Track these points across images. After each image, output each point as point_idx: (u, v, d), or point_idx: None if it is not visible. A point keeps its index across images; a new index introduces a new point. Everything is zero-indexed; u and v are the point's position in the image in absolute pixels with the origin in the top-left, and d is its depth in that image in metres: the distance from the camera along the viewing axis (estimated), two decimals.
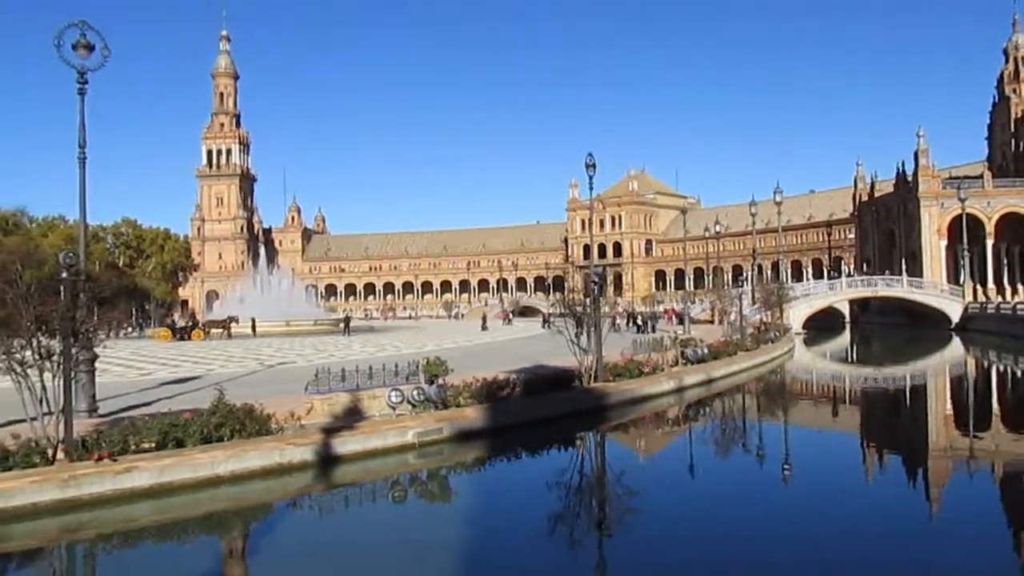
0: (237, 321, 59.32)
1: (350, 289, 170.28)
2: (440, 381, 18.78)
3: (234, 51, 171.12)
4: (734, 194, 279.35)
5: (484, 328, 64.60)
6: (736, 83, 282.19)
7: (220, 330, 57.57)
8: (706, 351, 29.59)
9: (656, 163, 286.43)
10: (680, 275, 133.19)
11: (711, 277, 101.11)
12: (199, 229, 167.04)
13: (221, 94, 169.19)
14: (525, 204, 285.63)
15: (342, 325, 62.52)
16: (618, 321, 52.98)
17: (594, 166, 27.56)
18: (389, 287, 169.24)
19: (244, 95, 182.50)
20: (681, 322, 57.25)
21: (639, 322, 56.27)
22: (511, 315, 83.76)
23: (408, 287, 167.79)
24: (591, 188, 28.22)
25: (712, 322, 62.34)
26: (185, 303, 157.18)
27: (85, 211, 17.70)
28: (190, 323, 58.23)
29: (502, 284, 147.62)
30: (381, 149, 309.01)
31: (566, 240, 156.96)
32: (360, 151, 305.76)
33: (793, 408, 25.23)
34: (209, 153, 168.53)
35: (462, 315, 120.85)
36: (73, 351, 14.27)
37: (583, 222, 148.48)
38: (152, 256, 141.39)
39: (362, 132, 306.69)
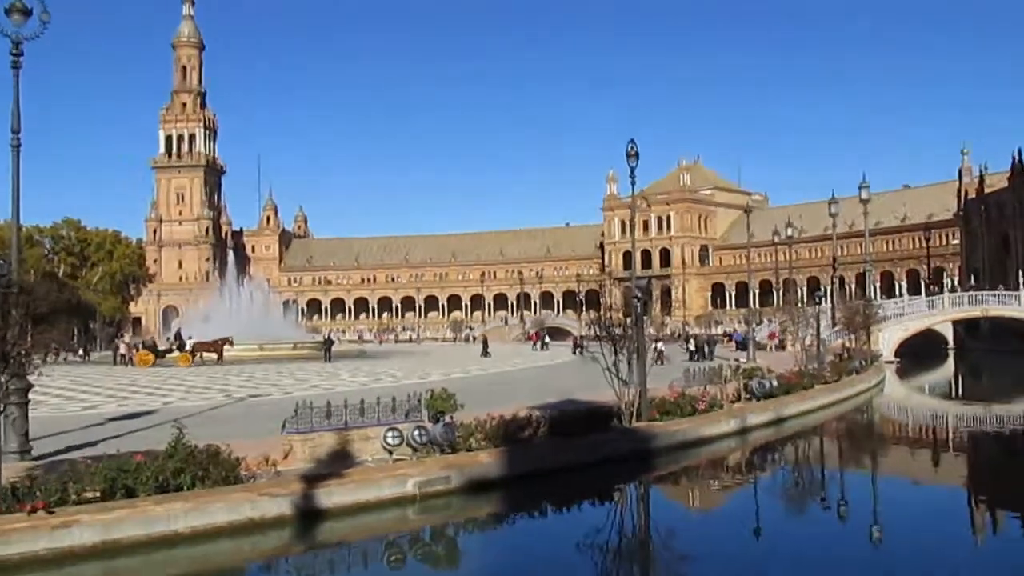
0: (231, 343, 59.96)
1: (337, 305, 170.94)
2: (447, 419, 18.74)
3: (199, 18, 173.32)
4: (809, 190, 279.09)
5: (486, 354, 64.33)
6: (811, 57, 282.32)
7: (211, 353, 58.11)
8: (775, 384, 29.43)
9: (713, 152, 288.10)
10: (743, 289, 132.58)
11: (781, 292, 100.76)
12: (155, 232, 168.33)
13: (184, 68, 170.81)
14: (551, 204, 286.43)
15: (324, 349, 62.66)
16: (660, 347, 52.69)
17: (636, 155, 27.50)
18: (385, 303, 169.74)
19: (211, 71, 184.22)
20: (744, 347, 56.97)
21: (692, 347, 56.05)
22: (545, 337, 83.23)
23: (408, 303, 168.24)
24: (633, 182, 28.14)
25: (782, 348, 62.02)
26: (138, 321, 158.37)
27: (19, 209, 17.87)
28: (175, 344, 58.71)
29: (523, 300, 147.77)
30: (376, 138, 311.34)
31: (602, 246, 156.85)
32: (351, 140, 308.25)
33: (884, 455, 25.00)
34: (168, 139, 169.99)
35: (474, 338, 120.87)
36: (1, 379, 14.36)
37: (623, 224, 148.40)
38: (98, 264, 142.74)
39: (353, 118, 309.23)
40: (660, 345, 53.34)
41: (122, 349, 64.56)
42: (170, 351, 58.71)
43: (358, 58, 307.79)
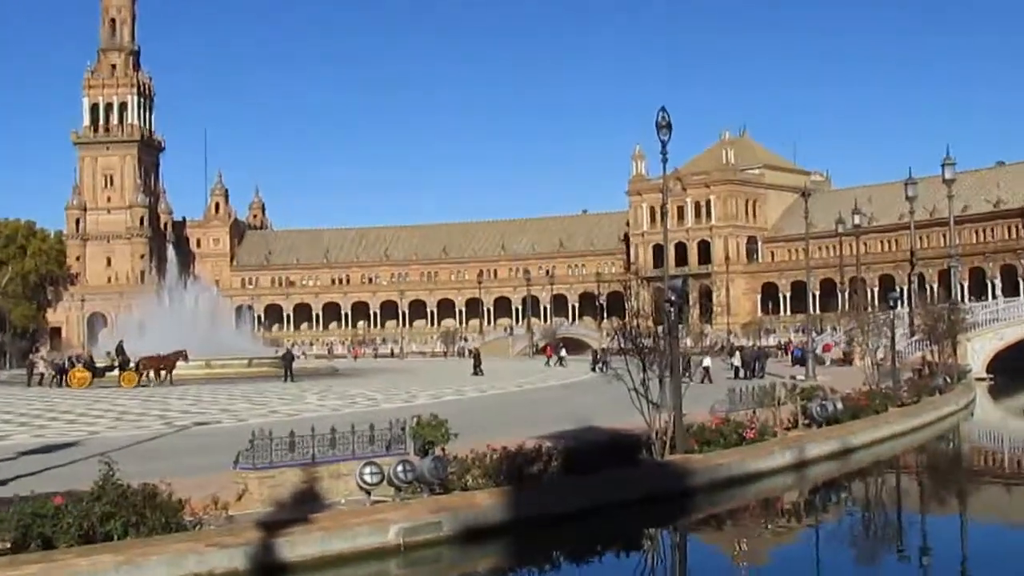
0: (186, 359, 59.95)
1: (302, 312, 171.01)
2: (438, 451, 18.70)
3: None
4: (881, 169, 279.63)
5: (478, 371, 64.62)
6: (885, 6, 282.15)
7: (163, 371, 58.38)
8: (839, 406, 29.37)
9: (762, 123, 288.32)
10: (799, 291, 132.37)
11: (846, 294, 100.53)
12: (78, 223, 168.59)
13: (113, 21, 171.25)
14: (564, 187, 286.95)
15: (282, 366, 62.58)
16: (707, 363, 52.68)
17: (669, 127, 27.45)
18: (361, 309, 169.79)
19: (147, 25, 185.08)
20: (802, 362, 56.87)
21: (738, 362, 55.98)
22: (561, 350, 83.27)
23: (389, 309, 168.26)
24: (664, 160, 28.12)
25: (848, 362, 61.89)
26: (57, 332, 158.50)
27: None
28: (116, 360, 58.81)
29: (530, 305, 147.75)
30: (349, 108, 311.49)
31: (627, 238, 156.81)
32: (318, 110, 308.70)
33: (975, 495, 24.93)
34: (94, 109, 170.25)
35: (469, 351, 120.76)
36: None
37: (652, 211, 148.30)
38: (8, 263, 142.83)
39: (322, 83, 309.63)
40: (707, 361, 53.33)
41: (40, 367, 64.47)
42: (111, 369, 58.70)
43: (328, 7, 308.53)
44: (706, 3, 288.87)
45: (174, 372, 58.39)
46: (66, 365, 62.69)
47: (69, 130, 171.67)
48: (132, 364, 58.01)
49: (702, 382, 46.58)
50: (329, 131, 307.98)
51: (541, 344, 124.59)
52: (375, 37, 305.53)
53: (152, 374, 58.02)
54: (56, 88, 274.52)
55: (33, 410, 39.92)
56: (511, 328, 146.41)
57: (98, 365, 59.48)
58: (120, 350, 59.45)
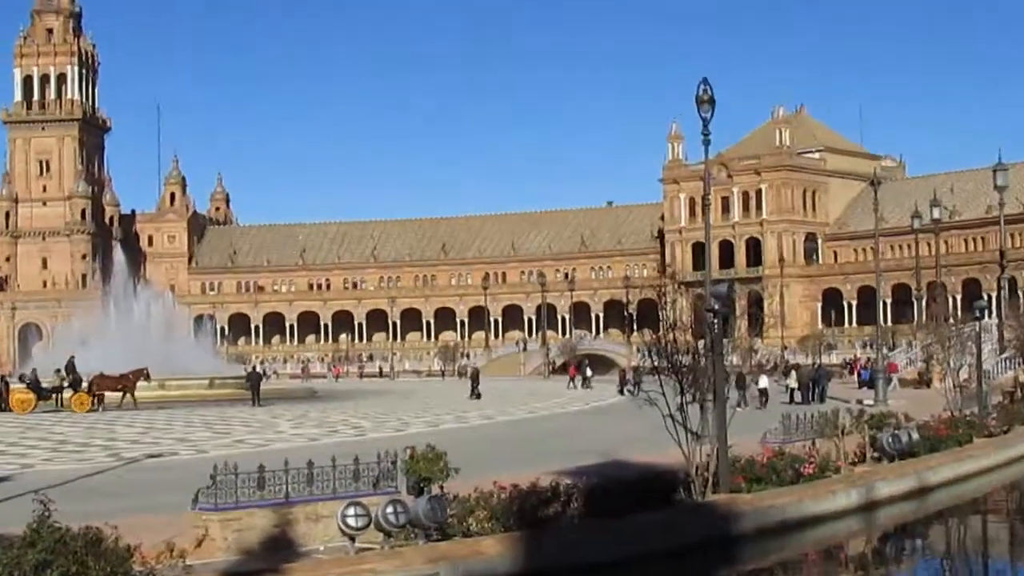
0: (147, 378, 59.90)
1: (274, 323, 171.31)
2: (435, 489, 18.70)
3: None
4: (964, 154, 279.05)
5: (475, 395, 64.83)
6: None
7: (120, 392, 58.24)
8: (915, 437, 29.29)
9: (822, 98, 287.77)
10: (867, 298, 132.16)
11: (923, 302, 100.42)
12: (8, 216, 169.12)
13: None
14: (586, 175, 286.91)
15: (248, 388, 62.66)
16: (764, 384, 52.65)
17: (712, 102, 27.40)
18: (344, 320, 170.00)
19: None
20: (870, 383, 56.69)
21: (794, 383, 55.89)
22: (587, 370, 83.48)
23: (377, 320, 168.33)
24: (707, 142, 28.07)
25: (925, 383, 61.71)
26: None
27: None
28: (66, 380, 58.82)
29: (546, 315, 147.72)
30: (332, 83, 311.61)
31: (661, 235, 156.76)
32: (294, 85, 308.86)
33: None
34: (27, 81, 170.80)
35: (473, 370, 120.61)
36: None
37: (692, 203, 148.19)
38: None
39: (299, 52, 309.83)
40: (764, 381, 53.26)
41: None
42: (59, 390, 58.64)
43: None
44: None
45: (112, 395, 58.39)
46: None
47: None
48: (85, 384, 57.90)
49: (760, 407, 46.78)
50: (305, 110, 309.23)
51: (559, 362, 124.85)
52: (356, 6, 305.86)
53: (117, 395, 58.00)
54: None
55: None
56: (524, 342, 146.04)
57: (44, 385, 59.38)
58: (71, 368, 59.36)
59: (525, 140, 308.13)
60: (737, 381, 50.33)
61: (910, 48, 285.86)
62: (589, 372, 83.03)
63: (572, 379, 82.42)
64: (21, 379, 58.84)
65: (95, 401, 56.98)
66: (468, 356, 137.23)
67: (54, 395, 58.13)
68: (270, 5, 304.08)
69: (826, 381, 57.97)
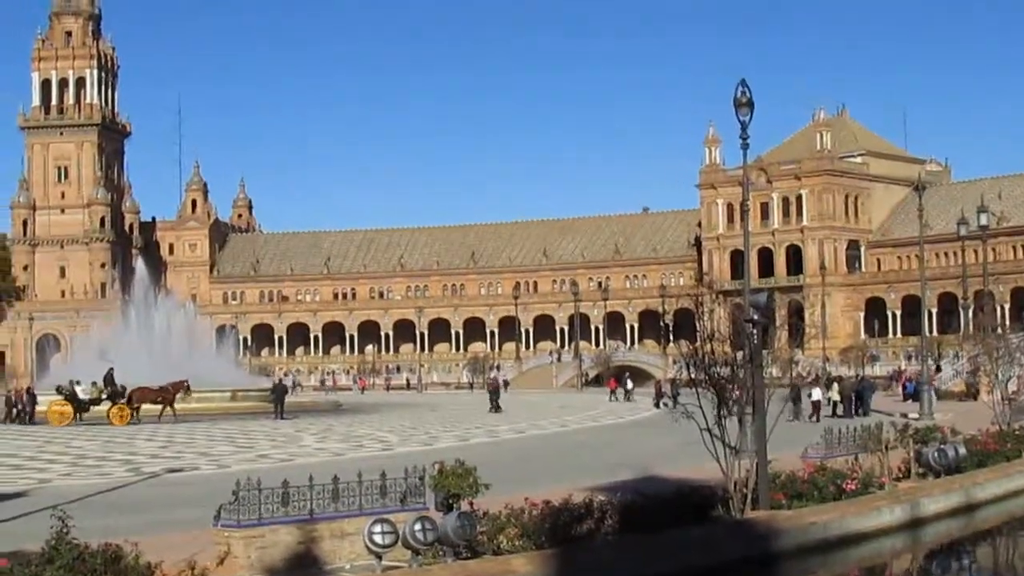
0: (188, 390, 60.78)
1: (298, 334, 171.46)
2: (465, 506, 18.70)
3: None
4: (1013, 157, 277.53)
5: (496, 408, 65.06)
6: None
7: (159, 404, 59.06)
8: (962, 451, 29.14)
9: (864, 100, 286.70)
10: (912, 307, 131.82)
11: (970, 312, 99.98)
12: (26, 224, 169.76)
13: None
14: (621, 181, 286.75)
15: (272, 400, 62.91)
16: (817, 396, 52.78)
17: (751, 104, 27.36)
18: (370, 331, 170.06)
19: None
20: (914, 396, 56.48)
21: (836, 396, 55.78)
22: (627, 383, 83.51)
23: (404, 331, 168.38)
24: (745, 145, 28.04)
25: (972, 396, 61.42)
26: (0, 357, 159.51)
27: None
28: (105, 392, 59.34)
29: (578, 325, 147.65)
30: (358, 87, 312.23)
31: (698, 242, 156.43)
32: (319, 89, 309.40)
33: None
34: (45, 86, 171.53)
35: (505, 382, 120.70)
36: None
37: (730, 208, 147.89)
38: None
39: (324, 55, 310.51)
40: (817, 393, 53.28)
41: None
42: (97, 402, 59.25)
43: None
44: None
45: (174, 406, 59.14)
46: (13, 398, 63.39)
47: (15, 112, 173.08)
48: (124, 396, 58.64)
49: (810, 419, 46.99)
50: (330, 115, 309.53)
51: (592, 374, 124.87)
52: (383, 9, 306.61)
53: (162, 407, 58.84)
54: (0, 61, 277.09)
55: None
56: (558, 354, 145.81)
57: (82, 398, 59.77)
58: (109, 380, 59.87)
59: (557, 145, 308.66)
60: (792, 394, 50.73)
61: (955, 49, 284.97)
62: (630, 384, 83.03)
63: (613, 391, 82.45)
64: (58, 390, 59.05)
65: (134, 413, 57.74)
66: (498, 368, 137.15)
67: (92, 407, 58.72)
68: (294, 8, 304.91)
69: (870, 393, 57.82)
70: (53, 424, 56.08)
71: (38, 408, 60.72)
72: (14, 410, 62.21)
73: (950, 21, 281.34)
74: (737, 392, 22.91)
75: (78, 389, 59.00)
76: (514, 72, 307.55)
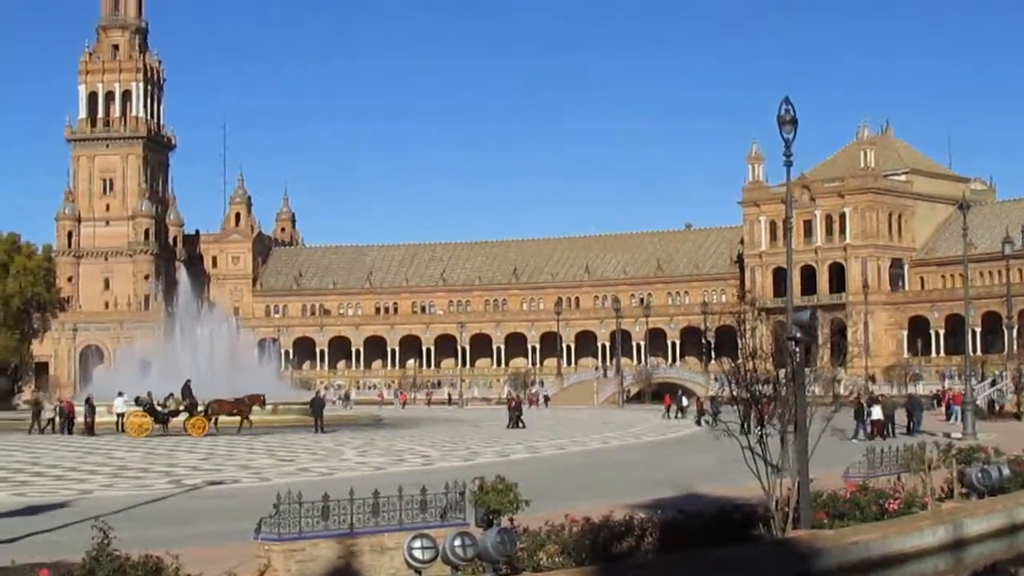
0: (263, 403, 61.92)
1: (340, 348, 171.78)
2: (505, 522, 18.65)
3: None
4: None
5: (518, 423, 65.53)
6: None
7: (236, 416, 59.99)
8: (1006, 472, 28.92)
9: (908, 118, 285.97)
10: (955, 326, 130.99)
11: (1014, 331, 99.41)
12: (71, 236, 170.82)
13: None
14: (663, 197, 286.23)
15: (312, 414, 63.23)
16: (876, 414, 52.80)
17: (794, 122, 27.22)
18: (411, 345, 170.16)
19: (157, 0, 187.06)
20: (958, 415, 56.18)
21: (880, 416, 55.54)
22: (682, 399, 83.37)
23: (446, 345, 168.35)
24: (788, 163, 27.91)
25: (1017, 416, 61.10)
26: (43, 368, 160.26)
27: None
28: (182, 404, 60.09)
29: (620, 341, 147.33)
30: (399, 100, 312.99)
31: (740, 259, 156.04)
32: (361, 102, 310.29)
33: None
34: (91, 98, 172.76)
35: (545, 398, 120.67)
36: None
37: (772, 226, 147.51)
38: None
39: (365, 69, 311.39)
40: (877, 412, 53.18)
41: (48, 411, 65.88)
42: (176, 413, 60.03)
43: None
44: None
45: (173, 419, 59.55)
46: (63, 408, 63.96)
47: (62, 124, 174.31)
48: (201, 408, 59.48)
49: (872, 438, 46.95)
50: (372, 129, 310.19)
51: (634, 390, 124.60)
52: (431, 20, 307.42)
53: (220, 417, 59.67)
54: (46, 74, 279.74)
55: (13, 462, 40.38)
56: (604, 370, 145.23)
57: (160, 410, 60.39)
58: (187, 392, 60.55)
59: (600, 161, 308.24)
60: (856, 412, 50.82)
61: (1000, 67, 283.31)
62: (685, 402, 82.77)
63: (668, 408, 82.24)
64: (137, 402, 59.61)
65: (211, 425, 58.54)
66: (542, 383, 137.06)
67: (170, 419, 59.53)
68: (339, 24, 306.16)
69: (919, 412, 57.66)
70: (132, 436, 56.52)
71: (97, 419, 61.41)
72: (61, 420, 62.68)
73: (995, 40, 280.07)
74: (779, 410, 22.84)
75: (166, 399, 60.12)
76: (558, 89, 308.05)
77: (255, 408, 61.58)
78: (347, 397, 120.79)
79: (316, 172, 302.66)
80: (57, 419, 63.45)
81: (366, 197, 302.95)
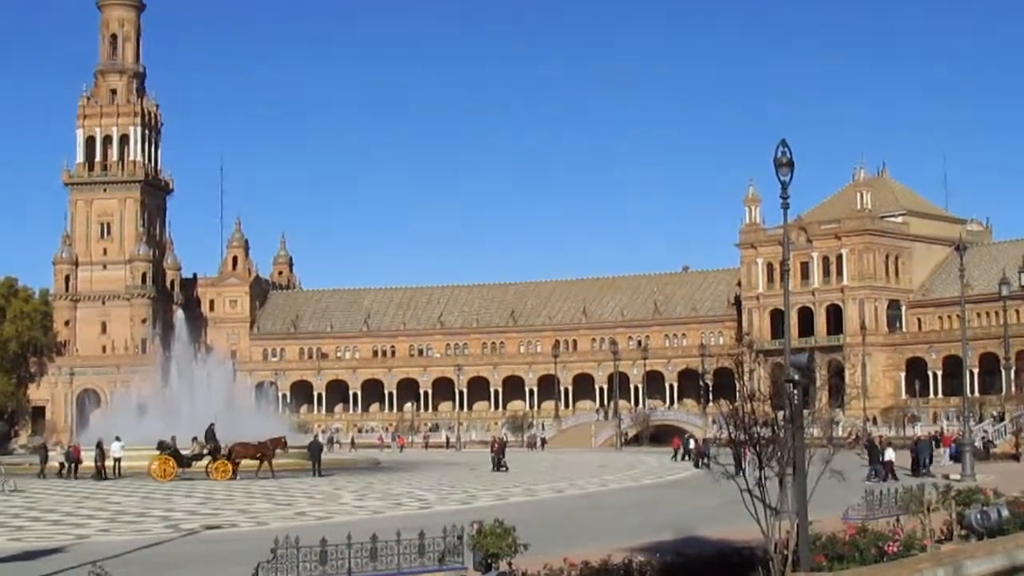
0: (285, 446, 62.36)
1: (337, 391, 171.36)
2: (503, 566, 18.62)
3: None
4: None
5: (500, 467, 65.43)
6: None
7: (258, 459, 60.48)
8: (1005, 513, 28.84)
9: (904, 160, 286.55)
10: (953, 367, 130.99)
11: (1012, 372, 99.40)
12: (68, 280, 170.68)
13: (113, 37, 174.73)
14: (660, 240, 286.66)
15: (309, 457, 63.35)
16: (891, 456, 53.03)
17: (791, 164, 27.27)
18: (409, 388, 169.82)
19: (155, 42, 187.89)
20: (957, 456, 56.16)
21: (882, 458, 55.59)
22: (691, 441, 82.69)
23: (443, 388, 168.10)
24: (785, 205, 27.96)
25: (1015, 457, 61.06)
26: (40, 412, 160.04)
27: None
28: (206, 447, 60.32)
29: (618, 384, 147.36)
30: (395, 144, 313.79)
31: (738, 301, 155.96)
32: (358, 146, 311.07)
33: None
34: (89, 142, 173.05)
35: (542, 440, 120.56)
36: None
37: (770, 268, 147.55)
38: None
39: (362, 113, 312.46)
40: (890, 453, 53.36)
41: (58, 455, 66.16)
42: (199, 457, 60.23)
43: (372, 20, 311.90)
44: (833, 25, 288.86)
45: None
46: (70, 452, 64.16)
47: (59, 168, 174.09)
48: (224, 451, 59.81)
49: (885, 479, 47.15)
50: (370, 173, 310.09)
51: (631, 433, 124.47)
52: (428, 67, 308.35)
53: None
54: (44, 118, 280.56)
55: (8, 507, 40.30)
56: (605, 412, 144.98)
57: (184, 454, 60.56)
58: (210, 435, 60.72)
59: (596, 203, 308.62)
60: (870, 453, 51.00)
61: (995, 108, 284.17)
62: (692, 444, 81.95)
63: (676, 450, 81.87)
64: (161, 446, 59.76)
65: (234, 468, 58.86)
66: (543, 427, 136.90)
67: (193, 462, 59.86)
68: (335, 69, 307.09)
69: (926, 453, 57.74)
70: (156, 479, 56.75)
71: (108, 463, 61.66)
72: (69, 465, 62.82)
73: (990, 81, 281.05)
74: (778, 452, 22.81)
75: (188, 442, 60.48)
76: (554, 132, 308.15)
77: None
78: (331, 441, 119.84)
79: (313, 216, 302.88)
80: (66, 464, 63.56)
81: (363, 241, 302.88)
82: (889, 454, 53.29)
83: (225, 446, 59.94)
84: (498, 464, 65.94)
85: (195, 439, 60.83)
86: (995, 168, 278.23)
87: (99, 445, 63.11)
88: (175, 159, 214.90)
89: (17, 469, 66.67)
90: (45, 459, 65.52)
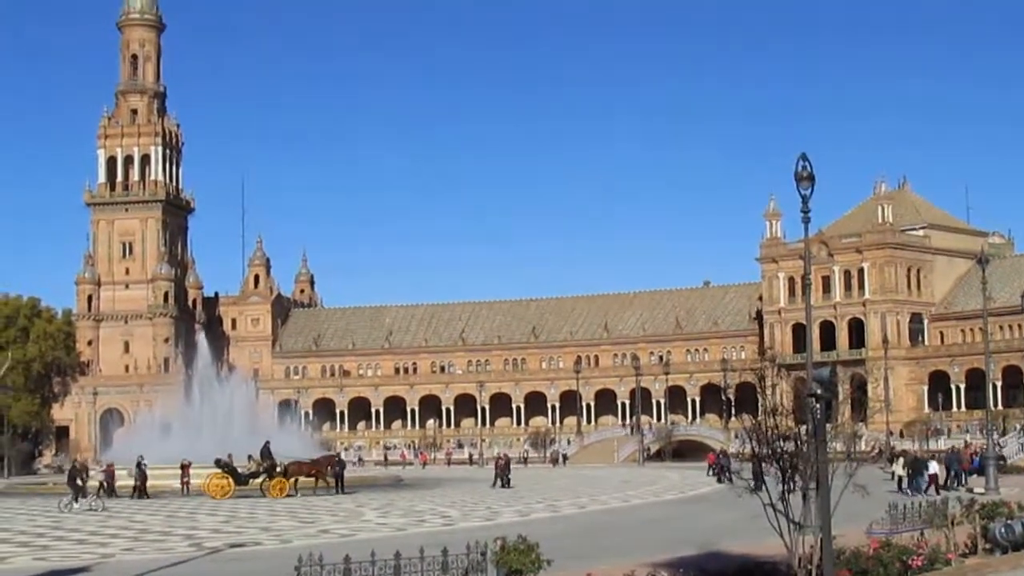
0: (340, 464, 63.14)
1: (359, 408, 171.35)
2: None
3: None
4: None
5: (504, 483, 65.22)
6: None
7: (313, 476, 61.06)
8: None
9: (925, 173, 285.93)
10: (976, 381, 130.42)
11: None
12: (91, 300, 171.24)
13: (134, 57, 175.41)
14: (681, 255, 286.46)
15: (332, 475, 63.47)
16: (935, 468, 53.00)
17: (812, 178, 27.25)
18: (431, 405, 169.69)
19: (175, 63, 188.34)
20: (980, 470, 55.91)
21: (903, 470, 55.36)
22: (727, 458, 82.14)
23: (465, 405, 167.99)
24: (806, 219, 27.95)
25: None
26: (63, 432, 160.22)
27: None
28: (262, 465, 60.40)
29: (639, 399, 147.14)
30: (417, 161, 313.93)
31: (759, 316, 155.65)
32: (379, 163, 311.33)
33: None
34: (111, 163, 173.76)
35: (564, 457, 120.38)
36: None
37: (791, 282, 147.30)
38: (7, 348, 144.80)
39: (383, 131, 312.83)
40: (934, 467, 53.32)
41: (94, 476, 66.34)
42: (256, 475, 60.38)
43: (395, 38, 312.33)
44: (853, 39, 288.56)
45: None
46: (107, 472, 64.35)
47: (81, 188, 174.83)
48: (280, 469, 59.95)
49: (925, 491, 47.21)
50: (392, 192, 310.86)
51: (654, 448, 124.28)
52: (447, 85, 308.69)
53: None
54: (66, 138, 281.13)
55: (34, 527, 40.43)
56: (630, 427, 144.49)
57: (241, 472, 60.68)
58: (266, 453, 60.76)
59: (617, 219, 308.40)
60: (911, 466, 50.99)
61: (1016, 121, 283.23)
62: (727, 466, 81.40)
63: (711, 466, 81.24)
64: (218, 464, 59.80)
65: (291, 486, 59.26)
66: (568, 442, 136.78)
67: (250, 480, 60.01)
68: (355, 86, 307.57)
69: (957, 466, 57.64)
70: (214, 497, 57.10)
71: (118, 483, 61.67)
72: (108, 484, 62.77)
73: (1011, 94, 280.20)
74: (801, 467, 22.76)
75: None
76: (576, 149, 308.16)
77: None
78: (360, 460, 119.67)
79: (335, 233, 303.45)
80: (105, 484, 63.61)
81: (384, 258, 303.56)
82: (933, 467, 53.21)
83: (280, 464, 60.16)
84: (503, 480, 65.79)
85: (251, 457, 60.96)
86: (1017, 180, 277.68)
87: (139, 464, 63.06)
88: (196, 178, 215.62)
89: (41, 489, 66.93)
90: (86, 479, 65.40)
